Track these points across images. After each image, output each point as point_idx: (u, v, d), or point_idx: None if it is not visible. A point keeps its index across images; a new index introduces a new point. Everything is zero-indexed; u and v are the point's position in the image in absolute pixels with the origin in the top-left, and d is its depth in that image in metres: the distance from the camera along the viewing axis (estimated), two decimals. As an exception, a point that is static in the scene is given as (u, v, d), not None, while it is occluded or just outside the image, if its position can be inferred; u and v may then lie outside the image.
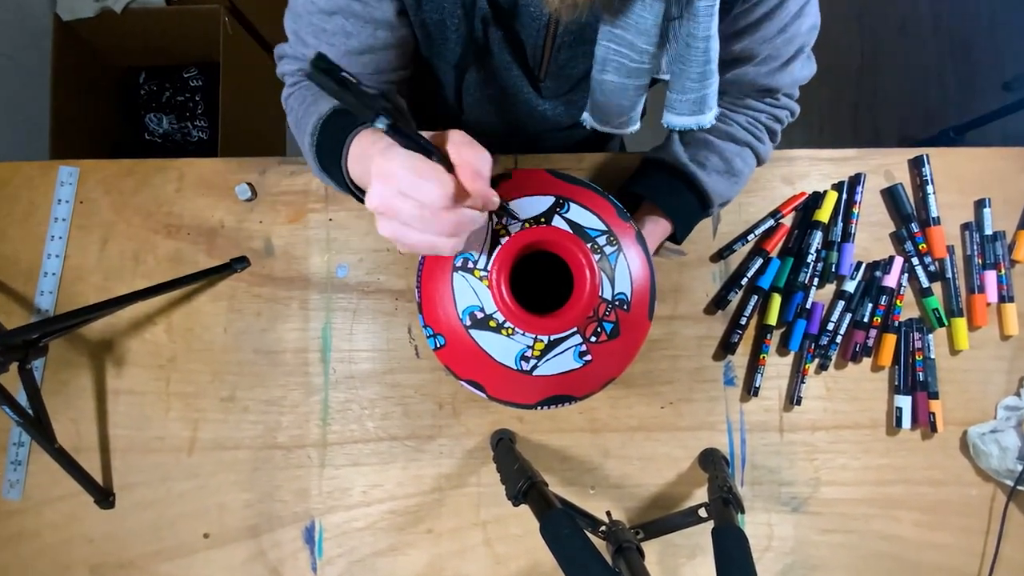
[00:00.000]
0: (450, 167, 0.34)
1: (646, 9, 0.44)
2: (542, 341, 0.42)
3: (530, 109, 0.62)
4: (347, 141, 0.44)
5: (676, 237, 0.62)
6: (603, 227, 0.44)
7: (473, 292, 0.42)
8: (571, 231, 0.43)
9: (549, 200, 0.44)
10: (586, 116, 0.57)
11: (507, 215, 0.42)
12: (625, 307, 0.44)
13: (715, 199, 0.59)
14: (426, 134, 0.35)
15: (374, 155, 0.34)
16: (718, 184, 0.58)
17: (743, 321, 0.66)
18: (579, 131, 0.68)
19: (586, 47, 0.51)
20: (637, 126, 0.57)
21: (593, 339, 0.43)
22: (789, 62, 0.55)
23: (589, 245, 0.42)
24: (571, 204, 0.44)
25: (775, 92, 0.58)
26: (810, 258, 0.66)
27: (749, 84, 0.56)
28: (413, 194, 0.33)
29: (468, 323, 0.43)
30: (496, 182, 0.45)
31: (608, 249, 0.44)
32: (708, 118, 0.51)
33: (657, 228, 0.60)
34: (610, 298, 0.43)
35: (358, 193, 0.46)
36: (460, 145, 0.34)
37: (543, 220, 0.43)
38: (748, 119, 0.60)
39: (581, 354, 0.43)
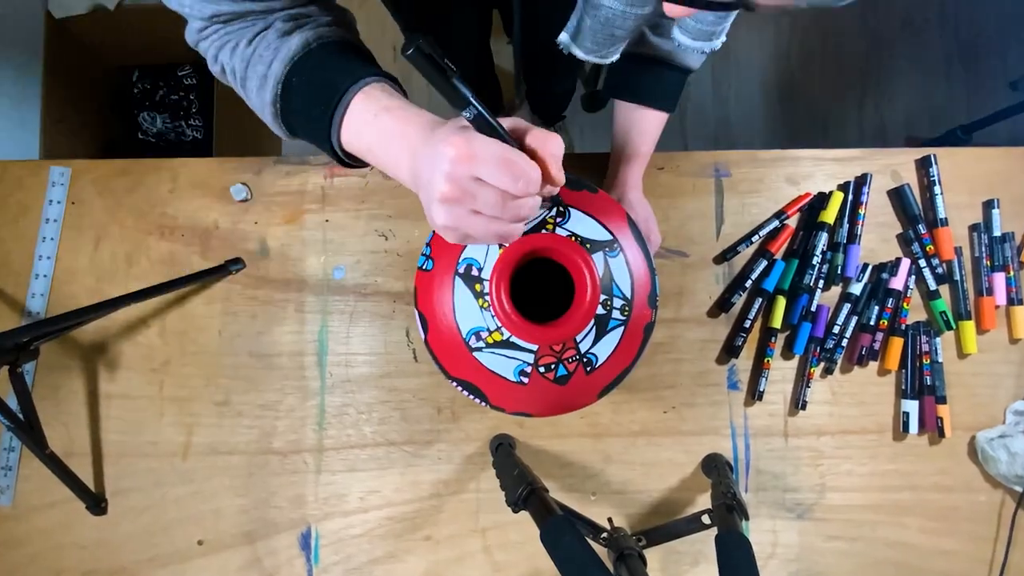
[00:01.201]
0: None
1: None
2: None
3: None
4: (340, 104, 0.38)
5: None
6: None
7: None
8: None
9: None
10: (564, 38, 0.51)
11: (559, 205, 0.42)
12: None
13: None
14: (504, 122, 0.33)
15: (438, 135, 0.32)
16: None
17: (747, 324, 0.65)
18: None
19: None
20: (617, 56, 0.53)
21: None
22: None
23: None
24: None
25: None
26: (815, 260, 0.65)
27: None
28: (496, 181, 0.31)
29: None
30: None
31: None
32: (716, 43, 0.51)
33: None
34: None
35: (347, 160, 0.41)
36: (545, 139, 0.33)
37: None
38: None
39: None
